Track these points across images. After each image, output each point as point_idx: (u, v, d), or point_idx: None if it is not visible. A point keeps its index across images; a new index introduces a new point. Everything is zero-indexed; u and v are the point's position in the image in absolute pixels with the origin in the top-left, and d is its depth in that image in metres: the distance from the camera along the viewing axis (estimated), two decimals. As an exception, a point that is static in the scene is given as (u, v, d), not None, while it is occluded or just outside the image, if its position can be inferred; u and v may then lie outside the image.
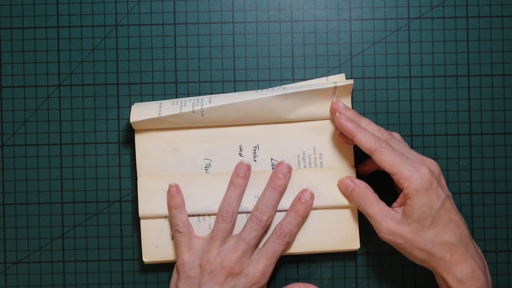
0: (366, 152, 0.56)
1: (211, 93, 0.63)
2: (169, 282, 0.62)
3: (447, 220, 0.55)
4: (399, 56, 0.63)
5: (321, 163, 0.60)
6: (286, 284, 0.63)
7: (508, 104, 0.63)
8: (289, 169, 0.59)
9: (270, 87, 0.62)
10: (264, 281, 0.58)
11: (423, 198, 0.54)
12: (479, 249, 0.57)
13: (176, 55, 0.63)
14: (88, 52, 0.63)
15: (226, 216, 0.58)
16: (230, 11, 0.63)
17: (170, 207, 0.59)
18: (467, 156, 0.63)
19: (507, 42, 0.63)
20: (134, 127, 0.59)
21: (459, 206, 0.63)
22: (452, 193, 0.63)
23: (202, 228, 0.60)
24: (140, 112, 0.59)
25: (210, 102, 0.58)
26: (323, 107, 0.59)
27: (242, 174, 0.59)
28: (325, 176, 0.60)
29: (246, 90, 0.63)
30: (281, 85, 0.62)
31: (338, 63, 0.63)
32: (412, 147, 0.63)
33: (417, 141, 0.63)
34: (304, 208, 0.59)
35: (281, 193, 0.59)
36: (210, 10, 0.63)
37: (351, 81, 0.58)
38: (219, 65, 0.63)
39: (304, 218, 0.59)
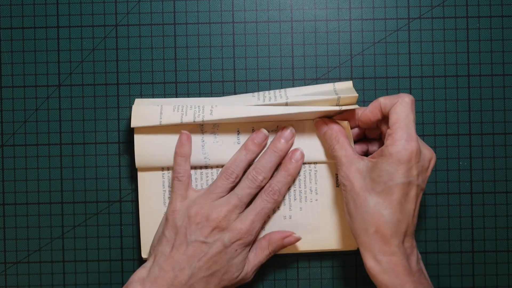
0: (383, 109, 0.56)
1: (211, 94, 0.63)
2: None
3: (397, 202, 0.53)
4: (399, 56, 0.63)
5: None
6: (286, 284, 0.63)
7: (508, 104, 0.63)
8: (293, 135, 0.59)
9: (269, 88, 0.62)
10: (250, 237, 0.57)
11: (390, 165, 0.53)
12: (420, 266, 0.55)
13: (176, 55, 0.63)
14: (88, 52, 0.63)
15: (230, 176, 0.58)
16: (230, 11, 0.63)
17: (176, 154, 0.59)
18: (467, 156, 0.63)
19: (507, 42, 0.63)
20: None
21: (459, 206, 0.63)
22: (452, 193, 0.63)
23: (198, 181, 0.60)
24: (140, 117, 0.58)
25: (211, 114, 0.58)
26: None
27: (257, 141, 0.59)
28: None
29: (246, 90, 0.63)
30: (281, 85, 0.62)
31: (338, 63, 0.63)
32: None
33: (417, 141, 0.63)
34: (295, 167, 0.59)
35: (280, 157, 0.59)
36: (210, 10, 0.63)
37: (355, 106, 0.58)
38: (219, 65, 0.63)
39: (293, 177, 0.59)
